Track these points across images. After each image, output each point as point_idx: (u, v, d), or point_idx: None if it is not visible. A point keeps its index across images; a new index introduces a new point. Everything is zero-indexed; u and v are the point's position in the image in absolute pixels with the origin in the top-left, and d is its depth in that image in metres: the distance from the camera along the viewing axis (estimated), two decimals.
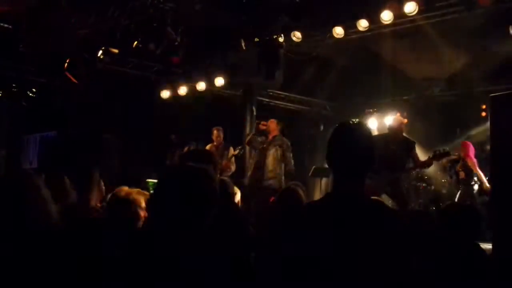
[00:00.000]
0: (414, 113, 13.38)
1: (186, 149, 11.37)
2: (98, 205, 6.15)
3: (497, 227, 5.36)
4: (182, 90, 12.68)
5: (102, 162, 10.04)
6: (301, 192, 4.46)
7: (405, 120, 9.77)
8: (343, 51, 11.34)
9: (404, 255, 2.27)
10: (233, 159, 10.32)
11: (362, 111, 13.71)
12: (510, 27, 8.27)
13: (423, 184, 11.39)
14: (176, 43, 9.30)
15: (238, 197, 5.65)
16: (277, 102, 14.00)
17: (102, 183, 6.77)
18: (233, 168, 10.30)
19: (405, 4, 8.25)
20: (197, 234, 2.29)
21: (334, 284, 2.23)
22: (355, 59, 12.11)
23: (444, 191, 11.85)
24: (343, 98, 14.47)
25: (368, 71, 12.54)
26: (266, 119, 13.76)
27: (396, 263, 2.23)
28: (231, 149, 10.39)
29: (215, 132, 10.51)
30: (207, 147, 10.56)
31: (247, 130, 12.37)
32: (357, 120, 2.64)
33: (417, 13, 8.55)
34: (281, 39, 9.00)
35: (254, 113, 12.32)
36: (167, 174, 2.46)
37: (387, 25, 9.10)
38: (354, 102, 14.44)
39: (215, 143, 10.51)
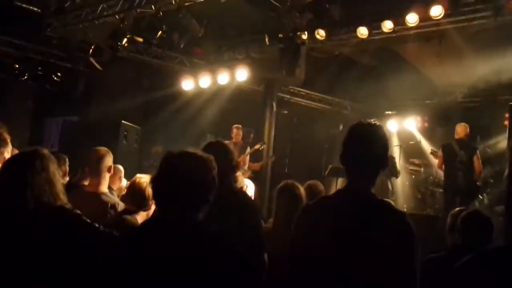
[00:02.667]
0: (436, 118, 13.31)
1: (158, 149, 11.70)
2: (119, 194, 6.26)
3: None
4: (204, 83, 12.72)
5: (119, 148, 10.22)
6: (300, 189, 4.46)
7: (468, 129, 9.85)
8: (367, 51, 11.30)
9: (405, 255, 2.29)
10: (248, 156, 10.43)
11: (383, 113, 13.66)
12: None
13: (440, 190, 11.32)
14: (200, 35, 9.34)
15: (251, 190, 5.69)
16: (297, 99, 13.99)
17: (121, 172, 6.88)
18: (246, 166, 10.40)
19: (431, 7, 8.18)
20: (191, 224, 2.30)
21: (333, 278, 2.28)
22: (378, 59, 12.07)
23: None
24: (364, 98, 14.40)
25: (391, 73, 12.44)
26: (286, 116, 13.88)
27: (396, 260, 2.26)
28: (248, 148, 10.50)
29: (234, 130, 10.66)
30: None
31: (267, 125, 12.42)
32: (372, 120, 2.68)
33: (443, 17, 8.50)
34: (304, 37, 9.00)
35: (274, 109, 12.33)
36: (164, 160, 2.46)
37: (412, 28, 9.03)
38: (375, 103, 14.38)
39: (233, 140, 10.60)
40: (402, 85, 12.69)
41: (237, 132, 10.61)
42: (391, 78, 12.42)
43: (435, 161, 12.50)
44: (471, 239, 3.52)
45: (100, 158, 4.62)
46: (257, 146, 10.52)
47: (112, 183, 6.27)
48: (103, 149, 4.79)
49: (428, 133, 13.53)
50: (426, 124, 13.50)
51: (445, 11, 8.34)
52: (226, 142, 10.49)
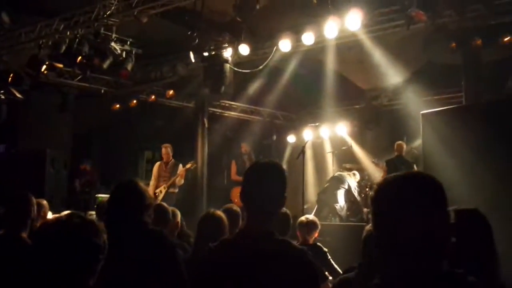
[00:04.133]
0: (364, 122, 13.65)
1: (86, 167, 11.59)
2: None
3: None
4: (133, 102, 12.59)
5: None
6: (223, 217, 4.39)
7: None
8: (294, 61, 11.49)
9: None
10: (183, 173, 10.42)
11: (313, 119, 13.90)
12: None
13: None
14: (121, 58, 9.24)
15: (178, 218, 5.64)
16: (229, 112, 14.04)
17: (45, 207, 6.66)
18: (182, 182, 10.41)
19: (347, 18, 8.36)
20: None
21: None
22: (306, 68, 12.26)
23: None
24: (295, 107, 14.61)
25: (319, 80, 12.69)
26: (218, 131, 13.91)
27: None
28: (180, 166, 10.48)
29: (163, 150, 10.61)
30: (156, 164, 10.63)
31: (199, 141, 12.44)
32: (271, 160, 2.72)
33: (360, 27, 8.74)
34: (226, 54, 9.04)
35: (206, 125, 12.35)
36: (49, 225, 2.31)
37: (332, 38, 9.24)
38: (306, 111, 14.62)
39: (164, 160, 10.57)
40: (330, 91, 12.97)
41: (165, 151, 10.55)
42: (319, 85, 12.67)
43: (368, 166, 12.86)
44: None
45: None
46: (188, 165, 10.53)
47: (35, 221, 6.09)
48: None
49: (359, 138, 13.85)
50: (356, 129, 13.82)
51: (361, 22, 8.54)
52: (157, 163, 10.54)
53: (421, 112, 6.49)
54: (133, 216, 3.30)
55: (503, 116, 5.78)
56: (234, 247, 2.56)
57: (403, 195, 1.80)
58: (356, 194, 12.09)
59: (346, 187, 11.84)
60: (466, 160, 5.67)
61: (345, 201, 11.85)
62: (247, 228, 2.61)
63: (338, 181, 11.79)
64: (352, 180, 12.16)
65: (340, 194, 11.44)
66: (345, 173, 12.32)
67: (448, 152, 5.95)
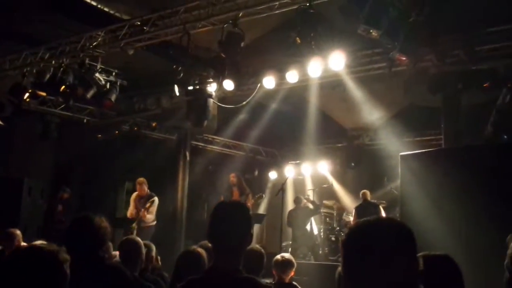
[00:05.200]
0: (346, 160, 13.74)
1: (64, 195, 11.50)
2: None
3: None
4: (116, 132, 12.58)
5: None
6: (203, 254, 4.36)
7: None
8: (278, 98, 11.59)
9: None
10: (153, 208, 10.29)
11: (295, 156, 13.97)
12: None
13: None
14: (105, 89, 9.27)
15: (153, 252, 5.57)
16: (212, 146, 14.05)
17: (18, 236, 6.56)
18: (148, 219, 10.22)
19: (330, 59, 8.50)
20: None
21: None
22: (289, 104, 12.38)
23: None
24: (278, 143, 14.68)
25: (303, 117, 12.80)
26: (200, 165, 13.89)
27: None
28: (156, 198, 10.37)
29: (137, 186, 10.51)
30: (134, 194, 10.53)
31: (181, 174, 12.40)
32: (234, 201, 2.75)
33: (343, 67, 8.88)
34: (210, 89, 9.12)
35: (188, 158, 12.33)
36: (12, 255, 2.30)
37: (316, 77, 9.38)
38: (288, 148, 14.69)
39: (138, 194, 10.48)
40: (313, 129, 13.08)
41: (140, 187, 10.47)
42: (302, 122, 12.79)
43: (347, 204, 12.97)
44: None
45: None
46: (147, 205, 10.32)
47: (8, 249, 6.00)
48: None
49: (340, 176, 13.93)
50: (337, 167, 13.91)
51: (344, 62, 8.68)
52: (134, 194, 10.41)
53: (400, 154, 6.56)
54: (87, 251, 3.27)
55: (480, 161, 5.86)
56: (201, 286, 2.55)
57: (369, 242, 1.79)
58: (336, 233, 12.13)
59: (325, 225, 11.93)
60: (442, 204, 5.72)
61: (325, 239, 11.90)
62: (214, 267, 2.63)
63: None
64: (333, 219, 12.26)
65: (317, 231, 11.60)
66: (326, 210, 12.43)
67: (424, 196, 6.01)
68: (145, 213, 10.08)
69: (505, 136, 9.15)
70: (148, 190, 10.47)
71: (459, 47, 8.32)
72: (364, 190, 11.64)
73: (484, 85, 8.93)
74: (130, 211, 10.33)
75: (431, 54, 8.43)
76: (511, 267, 2.72)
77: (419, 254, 2.72)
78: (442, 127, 9.75)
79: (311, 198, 12.60)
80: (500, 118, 9.36)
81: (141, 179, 10.54)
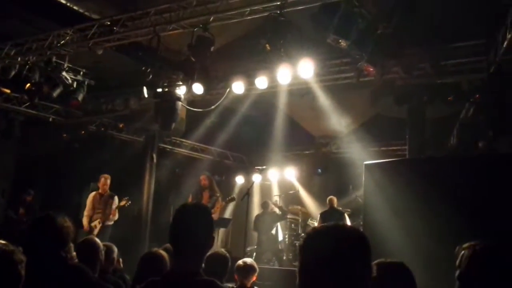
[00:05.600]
0: (313, 167, 13.86)
1: (27, 198, 11.33)
2: None
3: None
4: (82, 132, 12.42)
5: None
6: (164, 255, 4.35)
7: None
8: (247, 103, 11.61)
9: None
10: (115, 211, 10.23)
11: (263, 162, 13.99)
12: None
13: None
14: (72, 88, 9.15)
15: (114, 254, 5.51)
16: (179, 149, 13.99)
17: None
18: (116, 217, 10.20)
19: (299, 66, 8.56)
20: None
21: None
22: (259, 111, 12.43)
23: None
24: (245, 148, 14.71)
25: (271, 124, 12.86)
26: (167, 167, 13.81)
27: None
28: (116, 198, 10.29)
29: (102, 179, 10.38)
30: (91, 195, 10.39)
31: (147, 176, 12.29)
32: (196, 203, 2.76)
33: (312, 76, 8.97)
34: (179, 92, 9.09)
35: (155, 160, 12.24)
36: None
37: (285, 84, 9.43)
38: (256, 153, 14.72)
39: (100, 191, 10.36)
40: (281, 135, 13.16)
41: (104, 181, 10.34)
42: (270, 128, 12.85)
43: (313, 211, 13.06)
44: None
45: None
46: (122, 203, 10.29)
47: None
48: None
49: (306, 183, 14.03)
50: (304, 174, 14.01)
51: (313, 70, 8.75)
52: (93, 193, 10.27)
53: (364, 162, 6.68)
54: (49, 251, 3.24)
55: (441, 172, 5.99)
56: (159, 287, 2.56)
57: (323, 248, 1.82)
58: (301, 238, 12.18)
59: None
60: (402, 213, 5.83)
61: (290, 245, 11.96)
62: (174, 269, 2.64)
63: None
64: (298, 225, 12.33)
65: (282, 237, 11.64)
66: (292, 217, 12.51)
67: (387, 205, 6.11)
68: (115, 211, 10.03)
69: (463, 148, 9.39)
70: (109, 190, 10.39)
71: (425, 60, 8.50)
72: (331, 197, 11.68)
73: (449, 98, 9.12)
74: (86, 217, 10.14)
75: (398, 66, 8.59)
76: (460, 277, 2.79)
77: (375, 262, 2.78)
78: (407, 138, 9.94)
79: (279, 203, 12.66)
80: (463, 131, 9.60)
81: (107, 175, 10.44)
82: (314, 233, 1.92)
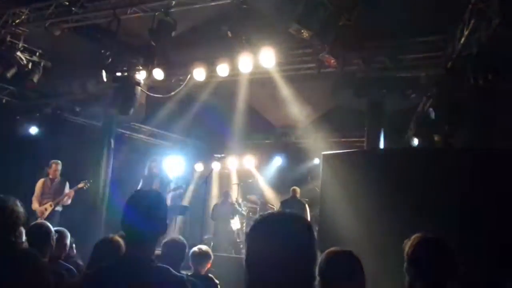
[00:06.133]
0: (272, 156, 13.92)
1: None
2: None
3: None
4: (38, 115, 12.09)
5: None
6: (120, 241, 4.29)
7: None
8: (208, 90, 11.53)
9: None
10: (72, 193, 10.04)
11: (222, 150, 13.98)
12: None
13: None
14: (27, 69, 8.88)
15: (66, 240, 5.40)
16: (138, 135, 13.81)
17: None
18: (69, 202, 10.04)
19: (261, 55, 8.54)
20: None
21: None
22: (218, 97, 12.35)
23: None
24: (205, 135, 14.63)
25: (231, 112, 12.81)
26: (125, 153, 13.60)
27: None
28: (67, 183, 10.11)
29: (53, 166, 10.13)
30: (40, 181, 10.16)
31: (104, 162, 12.09)
32: (150, 190, 2.74)
33: (274, 65, 8.97)
34: (139, 77, 8.95)
35: (112, 146, 12.04)
36: None
37: (246, 72, 9.41)
38: (215, 141, 14.68)
39: (50, 177, 10.13)
40: (241, 124, 13.13)
41: (55, 167, 10.11)
42: (230, 116, 12.81)
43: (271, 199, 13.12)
44: None
45: None
46: (80, 185, 10.12)
47: None
48: None
49: (265, 172, 14.09)
50: (263, 163, 14.06)
51: (275, 60, 8.76)
52: (42, 179, 10.03)
53: (322, 153, 6.76)
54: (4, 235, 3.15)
55: (395, 164, 6.09)
56: (110, 273, 2.53)
57: (269, 234, 1.85)
58: None
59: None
60: (358, 203, 5.90)
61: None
62: (126, 255, 2.61)
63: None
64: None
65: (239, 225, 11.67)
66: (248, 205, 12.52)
67: (343, 195, 6.18)
68: (71, 194, 9.88)
69: (419, 141, 9.58)
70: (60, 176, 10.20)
71: (385, 54, 8.61)
72: (294, 187, 11.79)
73: (407, 92, 9.27)
74: (36, 197, 9.92)
75: (359, 59, 8.69)
76: (409, 270, 2.89)
77: (326, 251, 2.84)
78: (365, 129, 10.07)
79: (238, 198, 12.70)
80: (419, 125, 9.78)
81: (57, 161, 10.23)
82: (261, 220, 1.94)
